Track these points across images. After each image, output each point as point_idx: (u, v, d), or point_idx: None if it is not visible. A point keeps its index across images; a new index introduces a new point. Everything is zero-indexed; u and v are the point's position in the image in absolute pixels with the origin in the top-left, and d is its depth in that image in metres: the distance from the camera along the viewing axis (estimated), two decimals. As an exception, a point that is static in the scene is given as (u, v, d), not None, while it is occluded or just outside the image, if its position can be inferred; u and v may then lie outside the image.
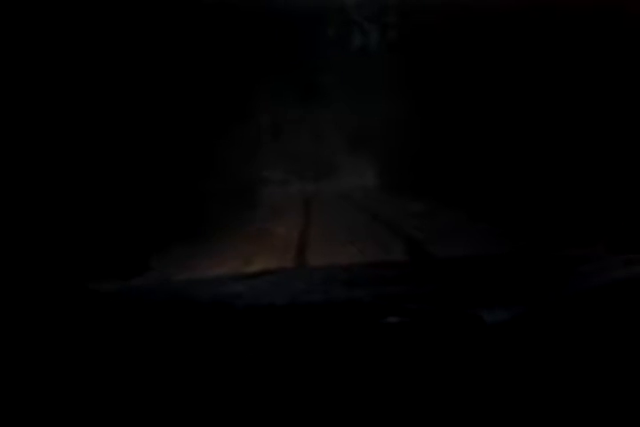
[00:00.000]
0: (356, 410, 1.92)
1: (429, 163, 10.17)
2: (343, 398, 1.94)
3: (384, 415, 1.91)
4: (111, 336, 2.27)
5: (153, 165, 8.23)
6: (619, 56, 7.97)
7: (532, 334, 2.07)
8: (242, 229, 8.51)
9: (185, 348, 2.23)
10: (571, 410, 1.88)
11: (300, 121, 13.34)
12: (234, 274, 4.19)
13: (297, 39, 12.72)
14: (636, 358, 1.99)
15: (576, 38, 8.32)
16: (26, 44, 6.63)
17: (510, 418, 1.87)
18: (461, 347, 1.98)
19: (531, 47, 8.79)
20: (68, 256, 6.14)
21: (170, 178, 8.49)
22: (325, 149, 13.19)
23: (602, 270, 2.66)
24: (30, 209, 6.31)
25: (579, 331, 2.08)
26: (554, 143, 8.45)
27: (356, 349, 2.03)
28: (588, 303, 2.20)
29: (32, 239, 6.04)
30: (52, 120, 6.91)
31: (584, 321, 2.11)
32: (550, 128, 8.50)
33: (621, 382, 1.94)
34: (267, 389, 2.02)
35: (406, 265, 4.72)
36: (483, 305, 2.21)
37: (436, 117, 10.11)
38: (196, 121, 9.42)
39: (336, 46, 13.30)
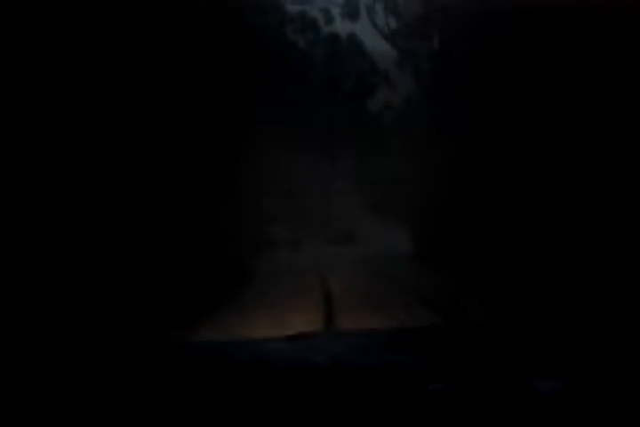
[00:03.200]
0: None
1: (465, 231, 10.18)
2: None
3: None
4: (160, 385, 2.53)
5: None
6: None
7: (578, 404, 2.25)
8: (256, 298, 8.90)
9: (222, 402, 2.41)
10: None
11: (313, 177, 13.48)
12: (269, 337, 4.38)
13: (313, 93, 12.91)
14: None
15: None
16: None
17: None
18: (516, 414, 2.15)
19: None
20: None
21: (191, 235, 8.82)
22: (342, 209, 13.26)
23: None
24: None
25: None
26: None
27: (408, 414, 2.20)
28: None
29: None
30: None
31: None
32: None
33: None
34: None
35: (436, 332, 4.91)
36: (533, 375, 2.39)
37: (476, 179, 10.12)
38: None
39: (356, 102, 13.35)
